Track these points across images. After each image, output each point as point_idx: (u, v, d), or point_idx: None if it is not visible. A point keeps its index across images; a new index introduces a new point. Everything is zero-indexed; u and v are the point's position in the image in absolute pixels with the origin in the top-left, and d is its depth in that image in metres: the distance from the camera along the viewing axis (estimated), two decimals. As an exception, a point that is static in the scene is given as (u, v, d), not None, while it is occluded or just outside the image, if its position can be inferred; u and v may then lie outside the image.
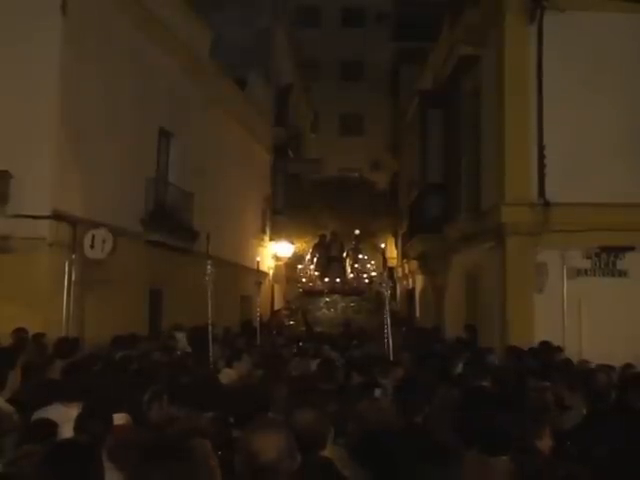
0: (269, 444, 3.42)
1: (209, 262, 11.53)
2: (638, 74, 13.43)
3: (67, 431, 5.15)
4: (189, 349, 12.87)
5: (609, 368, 9.27)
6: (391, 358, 10.30)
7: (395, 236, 31.84)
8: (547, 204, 13.02)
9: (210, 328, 11.10)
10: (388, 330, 10.73)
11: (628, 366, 9.58)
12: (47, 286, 12.54)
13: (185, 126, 18.54)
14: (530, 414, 5.57)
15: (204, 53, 20.18)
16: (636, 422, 5.95)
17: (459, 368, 9.79)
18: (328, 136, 42.01)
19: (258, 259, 20.72)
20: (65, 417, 5.49)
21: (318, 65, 41.60)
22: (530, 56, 13.37)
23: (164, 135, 17.69)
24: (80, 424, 4.95)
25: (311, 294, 28.68)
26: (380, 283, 10.88)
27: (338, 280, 29.67)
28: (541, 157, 13.20)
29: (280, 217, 29.41)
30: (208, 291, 11.31)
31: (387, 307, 11.26)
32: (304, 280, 29.81)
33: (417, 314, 25.32)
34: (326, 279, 29.71)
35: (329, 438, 4.47)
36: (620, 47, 13.43)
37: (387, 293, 11.51)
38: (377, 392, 7.38)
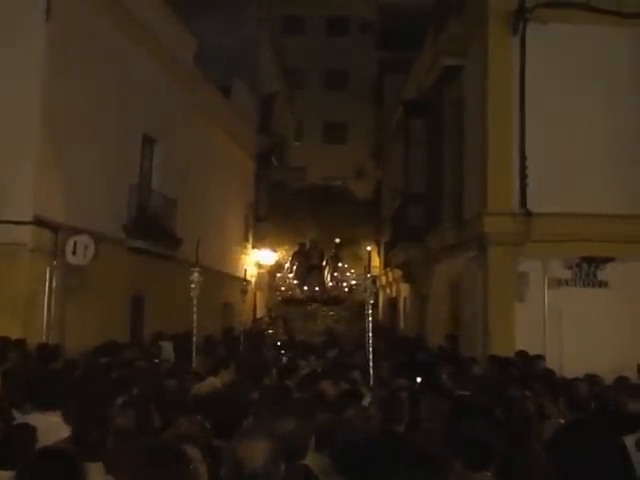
0: (255, 452, 3.42)
1: (196, 270, 11.00)
2: (619, 86, 13.55)
3: (46, 439, 5.11)
4: (173, 358, 12.77)
5: (596, 377, 9.34)
6: (370, 368, 10.24)
7: (378, 244, 31.86)
8: (529, 214, 13.08)
9: (195, 338, 10.82)
10: (369, 339, 10.66)
11: (621, 378, 9.60)
12: (28, 292, 12.46)
13: (169, 133, 18.51)
14: (515, 425, 5.58)
15: (188, 60, 20.17)
16: (611, 433, 5.96)
17: (443, 377, 9.82)
18: (312, 144, 42.01)
19: (245, 267, 20.55)
20: (44, 424, 5.45)
21: (302, 73, 41.61)
22: (513, 67, 13.45)
23: (147, 141, 17.64)
24: (77, 434, 4.90)
25: (290, 303, 28.62)
26: (365, 290, 10.77)
27: (317, 289, 29.61)
28: (523, 167, 13.27)
29: (263, 225, 29.39)
30: (194, 300, 10.81)
31: (369, 315, 11.16)
32: (283, 289, 29.73)
33: (400, 323, 25.35)
34: (305, 287, 29.65)
35: (310, 447, 4.47)
36: (602, 59, 13.55)
37: (370, 300, 11.45)
38: (366, 401, 7.36)
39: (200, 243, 10.94)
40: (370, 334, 10.37)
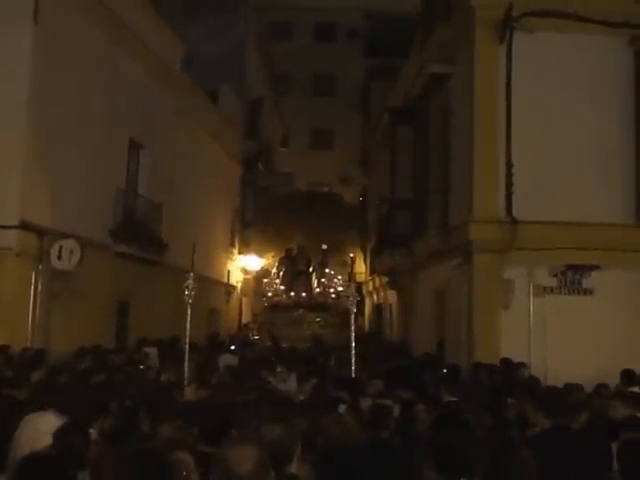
0: (245, 457, 3.40)
1: (191, 275, 10.42)
2: (605, 94, 13.65)
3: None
4: (157, 364, 12.64)
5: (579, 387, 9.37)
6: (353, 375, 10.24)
7: (364, 251, 31.87)
8: (514, 222, 13.12)
9: (187, 346, 10.54)
10: (351, 346, 10.66)
11: (603, 386, 9.62)
12: (13, 296, 12.42)
13: (155, 137, 18.48)
14: (503, 431, 5.58)
15: (176, 65, 20.18)
16: (598, 440, 6.00)
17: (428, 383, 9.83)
18: (299, 150, 41.99)
19: (229, 269, 20.38)
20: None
21: (290, 79, 41.64)
22: (500, 75, 13.50)
23: (134, 146, 17.61)
24: (60, 439, 4.85)
25: (277, 309, 28.49)
26: (347, 297, 10.74)
27: (304, 294, 29.52)
28: (509, 175, 13.32)
29: (249, 230, 29.35)
30: (188, 306, 10.36)
31: (352, 322, 11.13)
32: (270, 294, 29.61)
33: (386, 329, 25.35)
34: (292, 293, 29.56)
35: (296, 453, 4.46)
36: (589, 68, 13.63)
37: (353, 308, 11.43)
38: (341, 408, 7.34)
39: (195, 248, 10.73)
40: (353, 344, 10.37)
